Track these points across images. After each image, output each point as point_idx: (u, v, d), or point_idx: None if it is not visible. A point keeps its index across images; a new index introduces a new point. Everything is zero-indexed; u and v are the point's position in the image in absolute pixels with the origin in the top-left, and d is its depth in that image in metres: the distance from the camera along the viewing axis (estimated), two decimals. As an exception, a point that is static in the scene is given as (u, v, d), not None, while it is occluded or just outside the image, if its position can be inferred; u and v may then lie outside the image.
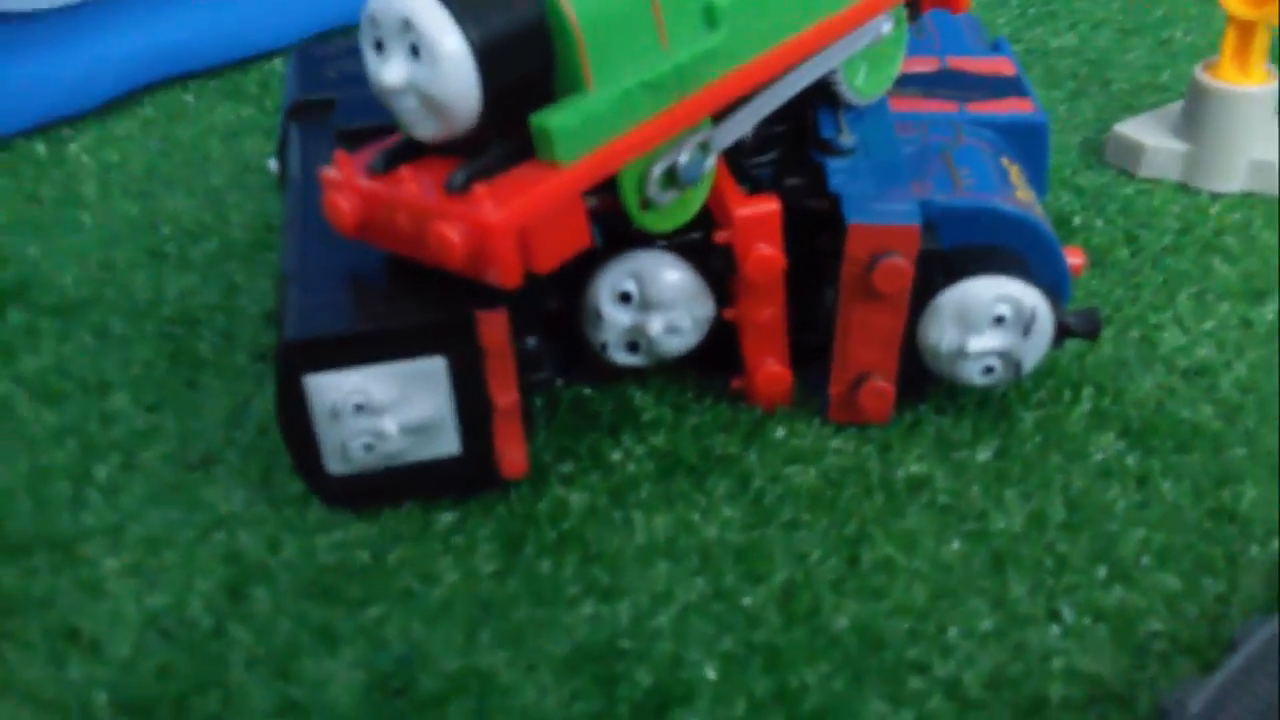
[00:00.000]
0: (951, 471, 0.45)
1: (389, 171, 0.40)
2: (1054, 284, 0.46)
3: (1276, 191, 0.61)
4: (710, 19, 0.41)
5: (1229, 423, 0.47)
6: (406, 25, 0.37)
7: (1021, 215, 0.44)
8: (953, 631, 0.39)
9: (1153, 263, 0.56)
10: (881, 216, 0.43)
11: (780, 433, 0.47)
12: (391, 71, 0.38)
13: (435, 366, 0.41)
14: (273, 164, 0.55)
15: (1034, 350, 0.45)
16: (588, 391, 0.50)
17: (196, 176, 0.65)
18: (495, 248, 0.37)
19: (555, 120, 0.38)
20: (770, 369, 0.47)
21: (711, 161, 0.43)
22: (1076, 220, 0.59)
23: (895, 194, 0.44)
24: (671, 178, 0.42)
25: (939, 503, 0.44)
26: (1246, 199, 0.61)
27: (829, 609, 0.40)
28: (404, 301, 0.41)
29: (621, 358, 0.48)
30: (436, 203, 0.38)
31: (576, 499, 0.45)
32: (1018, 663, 0.38)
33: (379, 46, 0.38)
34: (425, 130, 0.39)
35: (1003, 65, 0.54)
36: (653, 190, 0.42)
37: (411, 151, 0.41)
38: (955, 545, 0.42)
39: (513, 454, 0.44)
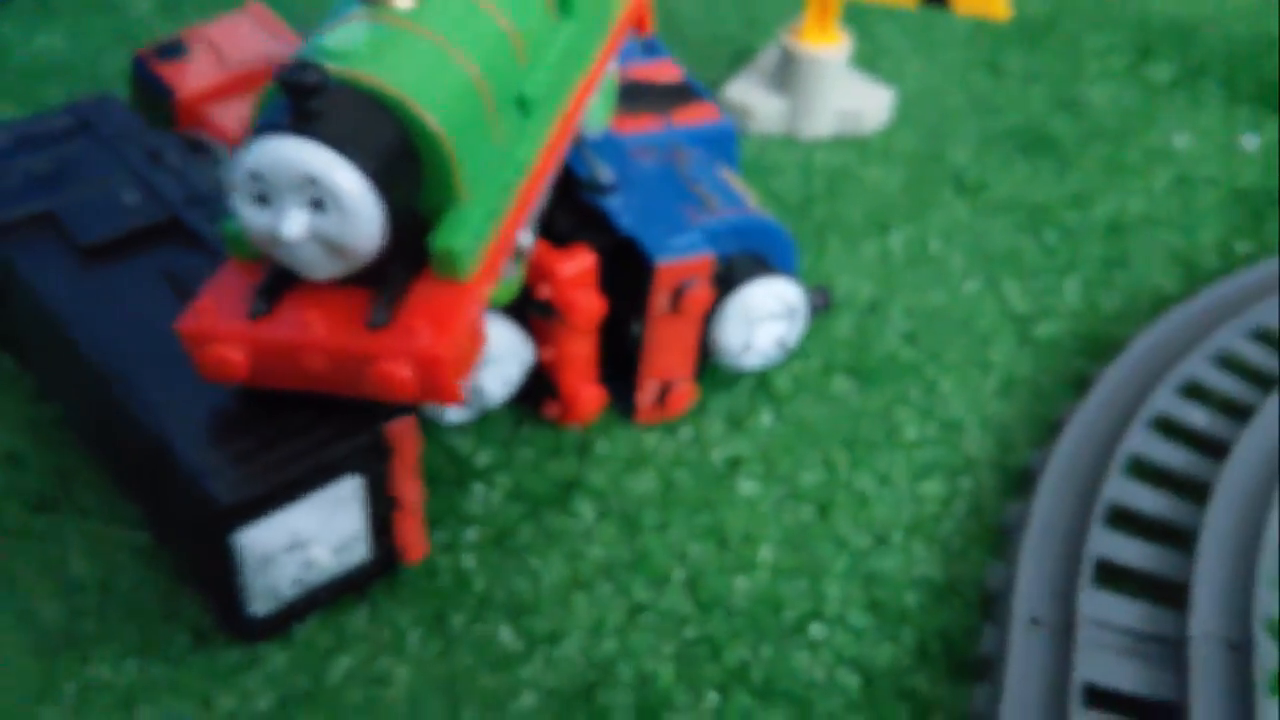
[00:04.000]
0: (751, 443, 0.58)
1: (273, 312, 0.43)
2: (792, 272, 0.60)
3: (859, 132, 0.79)
4: (524, 106, 0.48)
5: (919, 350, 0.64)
6: (310, 181, 0.40)
7: (770, 222, 0.57)
8: (827, 584, 0.53)
9: (800, 213, 0.72)
10: (681, 251, 0.53)
11: (604, 446, 0.57)
12: (292, 226, 0.40)
13: (353, 484, 0.46)
14: None
15: (796, 330, 0.58)
16: (413, 452, 0.55)
17: None
18: (445, 374, 0.42)
19: (457, 241, 0.43)
20: (589, 391, 0.57)
21: (532, 232, 0.51)
22: (730, 185, 0.74)
23: (679, 226, 0.54)
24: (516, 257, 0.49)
25: (757, 473, 0.57)
26: (838, 141, 0.79)
27: (725, 589, 0.52)
28: (313, 431, 0.44)
29: (453, 416, 0.54)
30: (368, 342, 0.42)
31: (467, 561, 0.51)
32: (885, 599, 0.53)
33: (262, 199, 0.41)
34: (325, 271, 0.42)
35: (670, 70, 0.66)
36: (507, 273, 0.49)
37: (283, 284, 0.44)
38: (798, 510, 0.55)
39: (415, 541, 0.49)
